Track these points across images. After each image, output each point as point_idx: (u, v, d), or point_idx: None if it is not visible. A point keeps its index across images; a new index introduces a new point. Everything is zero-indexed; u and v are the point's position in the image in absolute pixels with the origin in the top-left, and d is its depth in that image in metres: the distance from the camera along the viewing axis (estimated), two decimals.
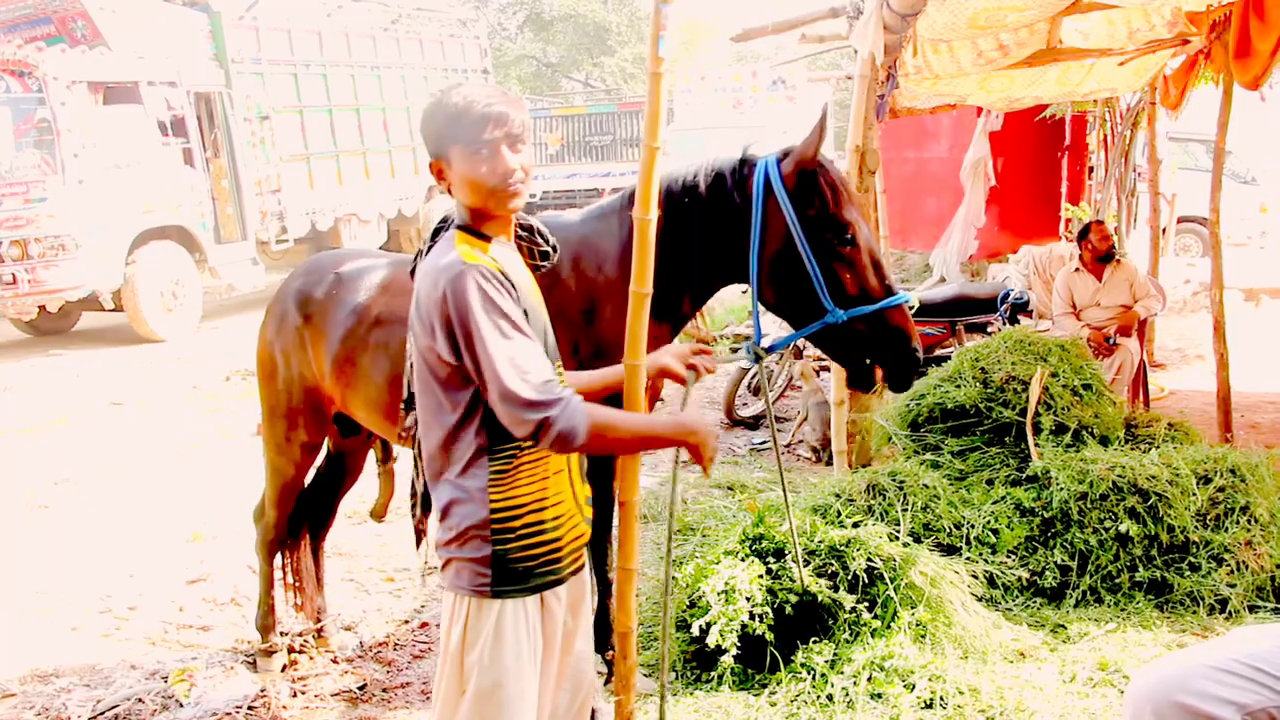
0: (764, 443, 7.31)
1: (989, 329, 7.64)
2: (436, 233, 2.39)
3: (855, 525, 4.07)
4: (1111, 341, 6.97)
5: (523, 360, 2.08)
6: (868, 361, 3.22)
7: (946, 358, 6.57)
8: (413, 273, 2.41)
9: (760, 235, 3.08)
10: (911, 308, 3.25)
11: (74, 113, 12.30)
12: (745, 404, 7.78)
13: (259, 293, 15.42)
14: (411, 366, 2.38)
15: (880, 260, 3.18)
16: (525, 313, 2.20)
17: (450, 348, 2.14)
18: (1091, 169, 12.52)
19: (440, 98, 2.26)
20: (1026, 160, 12.47)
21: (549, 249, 2.52)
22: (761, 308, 3.27)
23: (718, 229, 3.17)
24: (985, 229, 11.98)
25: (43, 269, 11.88)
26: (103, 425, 8.86)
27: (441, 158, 2.24)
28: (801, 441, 7.23)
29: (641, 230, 2.28)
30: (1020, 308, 7.60)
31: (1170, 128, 11.57)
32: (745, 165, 3.18)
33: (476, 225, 2.29)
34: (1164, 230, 10.56)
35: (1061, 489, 4.35)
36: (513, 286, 2.18)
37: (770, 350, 3.40)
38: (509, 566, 2.26)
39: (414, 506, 2.67)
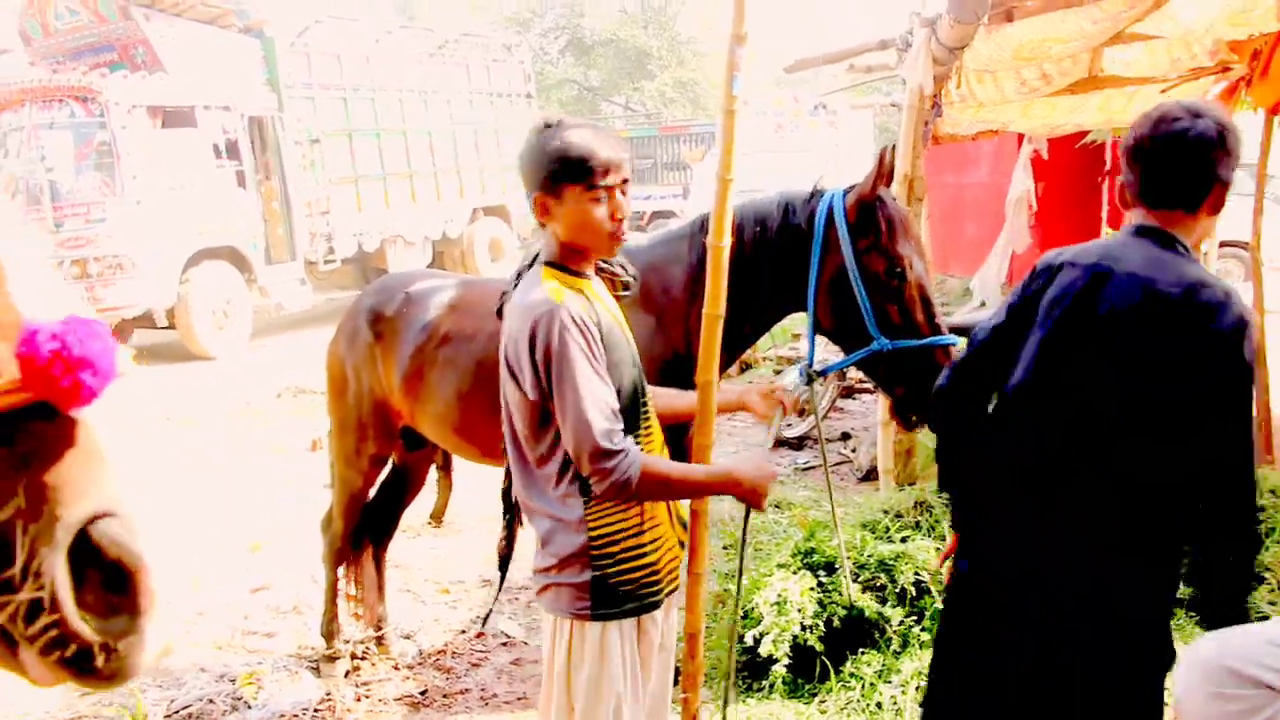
0: (808, 463, 7.42)
1: None
2: (522, 270, 2.49)
3: (903, 541, 4.19)
4: None
5: (594, 406, 2.19)
6: (907, 394, 3.35)
7: None
8: (499, 313, 2.54)
9: (819, 263, 3.24)
10: (958, 349, 3.39)
11: (134, 136, 12.65)
12: (789, 425, 7.90)
13: (307, 312, 15.72)
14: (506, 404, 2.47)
15: (930, 298, 3.32)
16: (610, 349, 2.32)
17: (535, 385, 2.25)
18: None
19: (554, 135, 2.31)
20: (1068, 185, 12.50)
21: (629, 279, 2.67)
22: (813, 335, 3.44)
23: (784, 257, 3.33)
24: (1026, 253, 12.02)
25: (101, 287, 12.18)
26: (156, 440, 9.10)
27: (552, 195, 2.31)
28: (847, 462, 7.34)
29: (716, 256, 2.43)
30: None
31: None
32: (814, 197, 3.34)
33: (571, 262, 2.39)
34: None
35: None
36: (598, 327, 2.29)
37: (823, 373, 3.56)
38: (608, 590, 2.38)
39: (507, 522, 2.79)
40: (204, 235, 13.50)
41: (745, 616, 3.97)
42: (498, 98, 19.66)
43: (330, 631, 4.54)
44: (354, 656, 4.59)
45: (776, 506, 6.13)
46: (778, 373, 9.92)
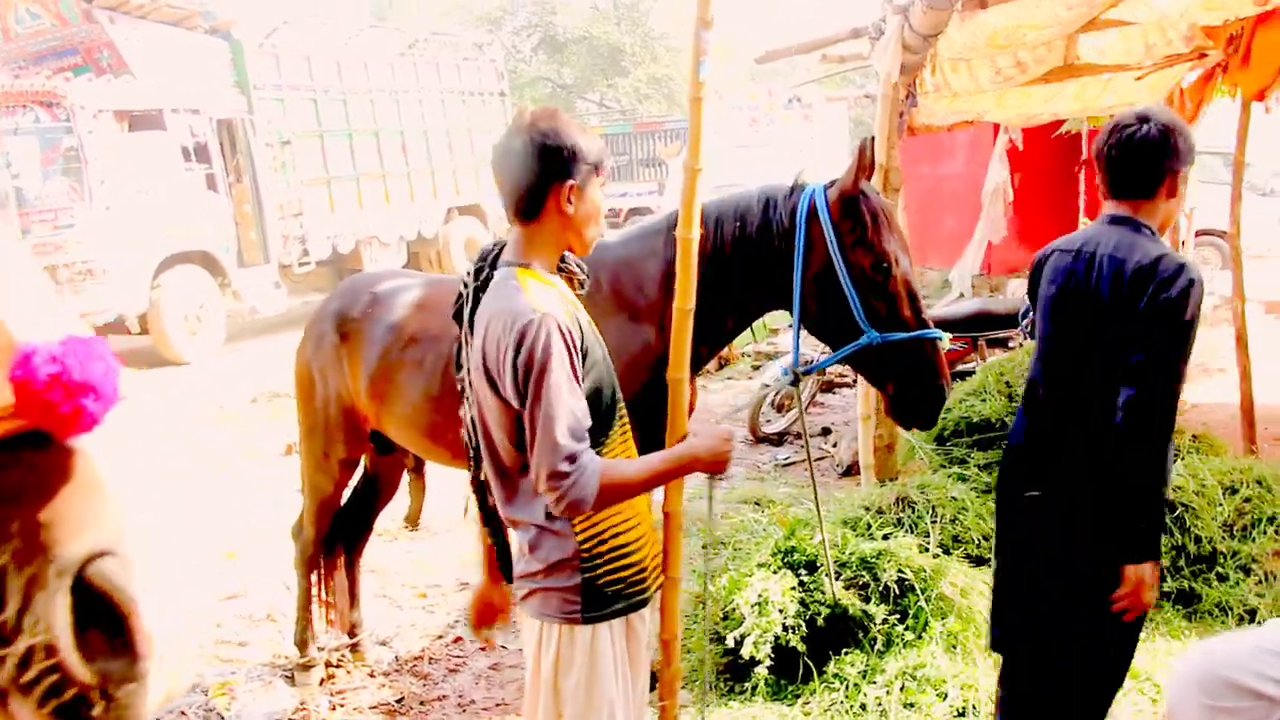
0: (788, 459, 7.36)
1: (1010, 344, 7.69)
2: (481, 269, 2.42)
3: (885, 538, 4.13)
4: None
5: (564, 428, 2.12)
6: (899, 390, 3.28)
7: (970, 373, 6.63)
8: (457, 315, 2.47)
9: (803, 258, 3.16)
10: (943, 346, 3.32)
11: (101, 141, 12.49)
12: (769, 421, 7.83)
13: (281, 316, 15.57)
14: (472, 413, 2.40)
15: (916, 293, 3.25)
16: (585, 353, 2.25)
17: (517, 394, 2.17)
18: None
19: (573, 123, 2.26)
20: (1044, 175, 12.49)
21: (585, 277, 2.59)
22: (792, 332, 3.37)
23: (765, 252, 3.25)
24: (1003, 244, 12.01)
25: (71, 294, 12.01)
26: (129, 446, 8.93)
27: (581, 184, 2.25)
28: (827, 457, 7.28)
29: (685, 249, 2.36)
30: None
31: None
32: (795, 192, 3.26)
33: (547, 263, 2.33)
34: (1183, 244, 10.56)
35: None
36: (579, 330, 2.24)
37: (808, 371, 3.49)
38: (599, 592, 2.31)
39: (491, 532, 2.67)
40: (175, 239, 13.34)
41: (726, 618, 3.90)
42: (470, 97, 19.56)
43: (304, 639, 4.44)
44: (329, 665, 4.50)
45: (756, 504, 6.06)
46: (756, 368, 9.85)
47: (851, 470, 6.78)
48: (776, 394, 7.60)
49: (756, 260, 3.26)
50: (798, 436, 7.89)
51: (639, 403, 2.75)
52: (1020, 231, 12.36)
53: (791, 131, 17.07)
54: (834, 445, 7.39)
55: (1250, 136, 6.62)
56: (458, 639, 4.79)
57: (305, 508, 4.37)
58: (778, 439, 7.75)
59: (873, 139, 3.27)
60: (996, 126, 11.20)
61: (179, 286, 13.21)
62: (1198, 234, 13.95)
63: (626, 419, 2.46)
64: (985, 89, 6.33)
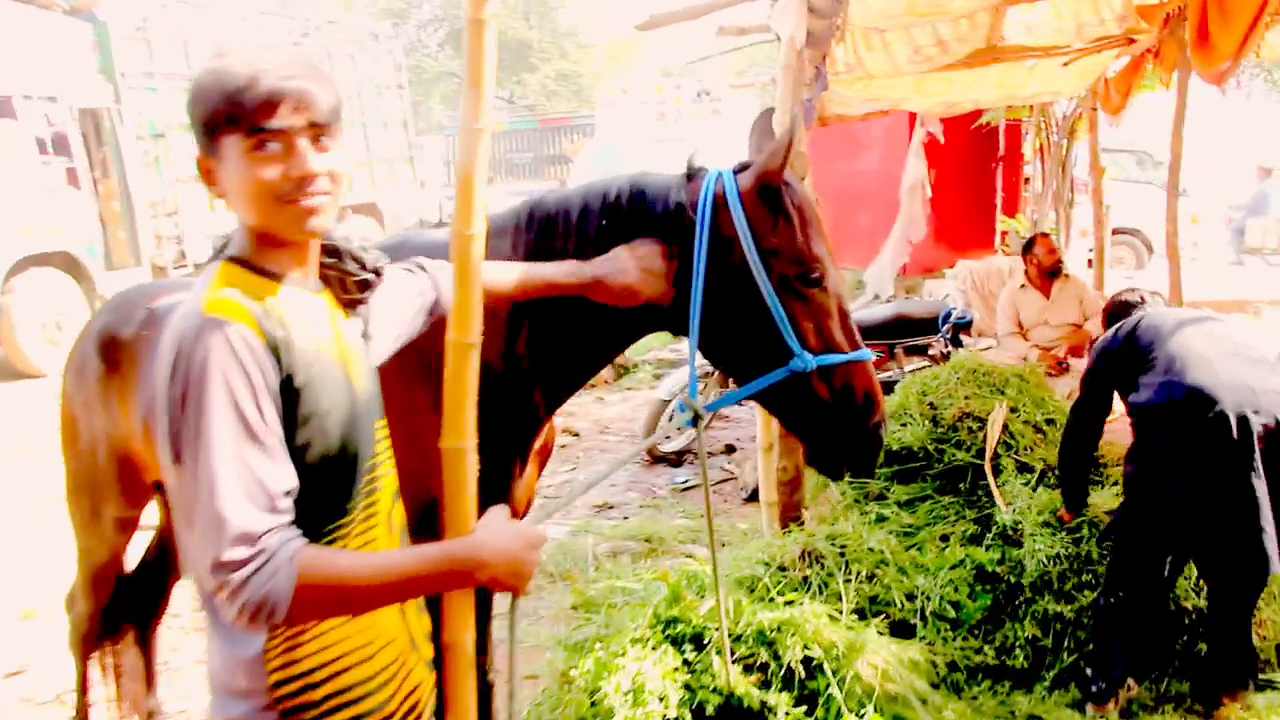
0: (687, 482, 6.64)
1: (930, 350, 7.08)
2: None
3: (789, 603, 3.39)
4: (1063, 364, 6.43)
5: (232, 492, 1.39)
6: (825, 435, 2.52)
7: (889, 384, 5.95)
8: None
9: (705, 263, 2.37)
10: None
11: None
12: (668, 438, 7.10)
13: None
14: None
15: (848, 312, 2.49)
16: (307, 393, 1.51)
17: (169, 445, 1.44)
18: (1027, 179, 12.11)
19: (215, 65, 1.57)
20: (960, 171, 11.98)
21: (369, 275, 1.82)
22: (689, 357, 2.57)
23: None
24: (920, 243, 11.47)
25: None
26: None
27: (211, 153, 1.57)
28: (731, 479, 6.58)
29: (462, 250, 1.59)
30: (963, 327, 7.05)
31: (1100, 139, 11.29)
32: (693, 177, 2.48)
33: (259, 258, 1.59)
34: (1101, 244, 10.18)
35: (1036, 546, 3.72)
36: (274, 355, 1.49)
37: (713, 409, 2.66)
38: None
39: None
40: (30, 239, 12.14)
41: (593, 705, 3.14)
42: (365, 89, 18.56)
43: None
44: None
45: (647, 540, 5.32)
46: (658, 377, 9.09)
47: (757, 494, 6.09)
48: (677, 423, 6.89)
49: None
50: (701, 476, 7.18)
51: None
52: (937, 230, 11.81)
53: (701, 126, 16.41)
54: (738, 466, 6.69)
55: (1162, 134, 6.16)
56: None
57: (76, 576, 3.52)
58: (676, 459, 7.00)
59: (796, 115, 2.51)
60: (913, 118, 10.67)
61: (35, 291, 12.03)
62: (1114, 232, 13.65)
63: (382, 494, 1.69)
64: (904, 70, 5.68)
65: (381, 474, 1.69)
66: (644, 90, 18.24)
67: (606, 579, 4.55)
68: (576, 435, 7.82)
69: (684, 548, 5.18)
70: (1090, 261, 11.03)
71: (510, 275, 2.22)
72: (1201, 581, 3.56)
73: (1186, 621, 3.56)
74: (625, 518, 6.05)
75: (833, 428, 2.44)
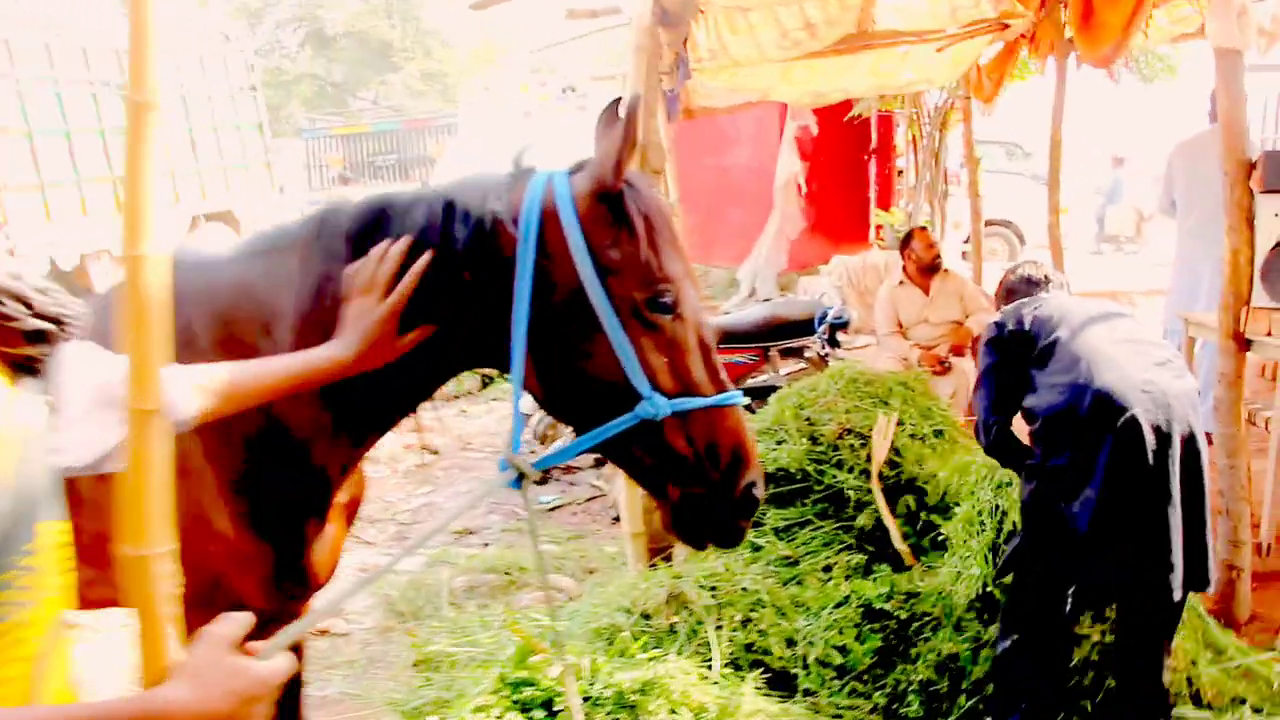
0: (553, 502, 6.19)
1: (806, 353, 6.75)
2: None
3: (653, 660, 2.95)
4: (945, 363, 6.17)
5: None
6: (683, 498, 2.00)
7: (764, 390, 5.58)
8: None
9: (530, 286, 1.85)
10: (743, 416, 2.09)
11: None
12: (533, 452, 6.62)
13: None
14: None
15: (711, 345, 1.99)
16: None
17: None
18: (900, 171, 12.00)
19: None
20: (833, 164, 11.80)
21: (49, 324, 1.31)
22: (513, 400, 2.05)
23: (453, 280, 1.97)
24: (800, 238, 11.24)
25: None
26: None
27: None
28: (600, 496, 6.15)
29: (133, 277, 1.12)
30: (840, 327, 6.73)
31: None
32: (517, 181, 1.98)
33: None
34: (971, 235, 10.10)
35: (923, 580, 3.36)
36: None
37: (541, 466, 2.11)
38: None
39: None
40: None
41: None
42: (216, 92, 17.58)
43: None
44: None
45: (507, 573, 4.85)
46: None
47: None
48: (539, 424, 6.45)
49: (444, 292, 1.98)
50: (567, 471, 6.72)
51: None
52: (815, 224, 11.59)
53: (566, 123, 15.96)
54: (607, 483, 6.25)
55: (1030, 126, 5.96)
56: None
57: None
58: (541, 477, 6.53)
59: (639, 99, 2.02)
60: (784, 110, 10.41)
61: None
62: (986, 224, 13.70)
63: (29, 623, 1.20)
64: (770, 58, 5.31)
65: (31, 596, 1.19)
66: (509, 88, 17.75)
67: (455, 624, 4.06)
68: (436, 453, 7.27)
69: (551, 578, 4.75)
70: (965, 254, 10.95)
71: (210, 386, 1.67)
72: (1109, 614, 3.23)
73: (1094, 658, 3.24)
74: (485, 544, 5.57)
75: (693, 489, 1.96)
